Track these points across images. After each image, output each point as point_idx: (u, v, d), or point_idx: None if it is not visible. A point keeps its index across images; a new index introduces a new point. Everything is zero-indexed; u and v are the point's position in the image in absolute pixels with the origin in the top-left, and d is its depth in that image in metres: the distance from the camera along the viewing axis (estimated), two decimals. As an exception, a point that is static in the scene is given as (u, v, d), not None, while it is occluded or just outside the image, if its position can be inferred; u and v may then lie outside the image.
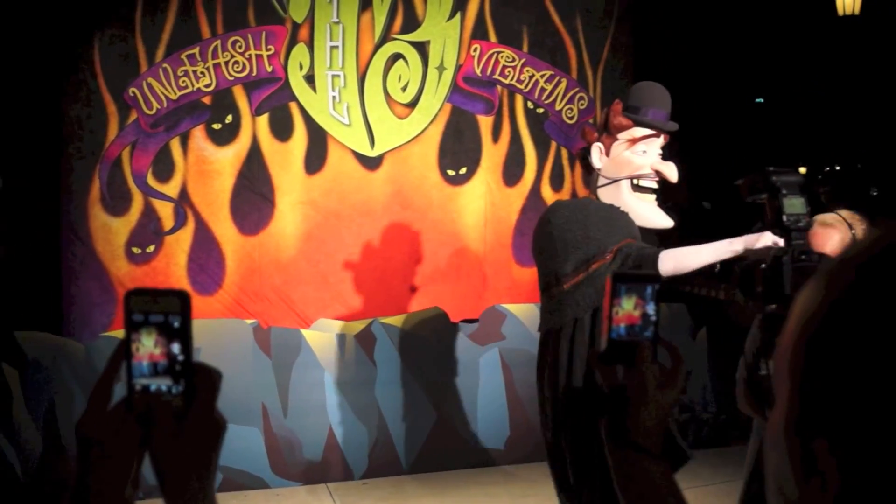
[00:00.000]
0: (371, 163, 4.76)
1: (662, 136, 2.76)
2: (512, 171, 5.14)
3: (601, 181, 2.74)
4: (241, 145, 4.47)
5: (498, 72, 5.02)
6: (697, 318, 5.42)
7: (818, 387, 0.62)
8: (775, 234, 2.37)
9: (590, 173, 2.81)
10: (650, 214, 2.73)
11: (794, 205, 2.35)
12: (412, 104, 4.83)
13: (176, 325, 0.85)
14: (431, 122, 4.89)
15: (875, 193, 11.77)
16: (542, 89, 5.11)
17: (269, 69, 4.49)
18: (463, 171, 4.99)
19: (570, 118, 5.34)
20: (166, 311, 0.85)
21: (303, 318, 4.59)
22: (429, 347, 4.64)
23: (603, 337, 1.20)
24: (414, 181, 4.88)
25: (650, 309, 1.20)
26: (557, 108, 5.24)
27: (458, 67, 4.92)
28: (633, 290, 1.18)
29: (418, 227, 4.86)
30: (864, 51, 11.59)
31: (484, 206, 5.02)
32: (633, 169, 2.72)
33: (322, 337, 4.52)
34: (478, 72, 4.97)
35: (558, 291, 2.60)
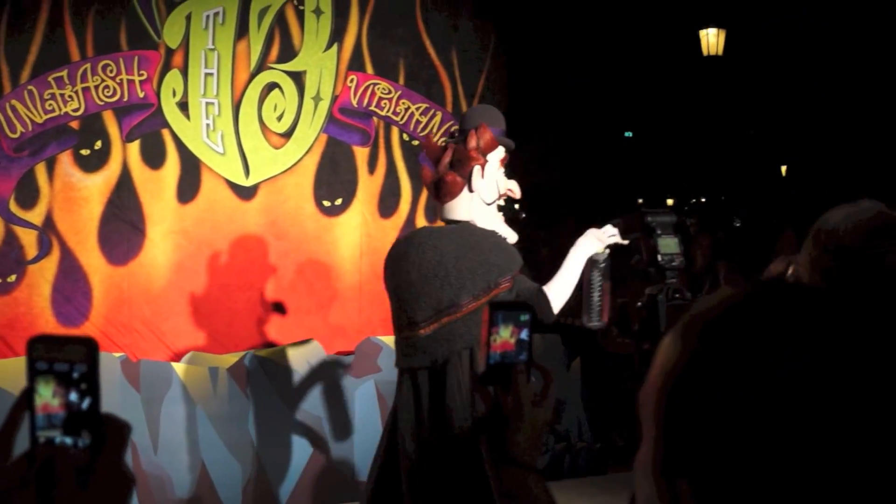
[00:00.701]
0: (245, 192, 4.90)
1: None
2: (388, 202, 5.30)
3: (476, 203, 2.83)
4: (110, 172, 4.54)
5: (374, 103, 5.23)
6: (571, 349, 5.69)
7: (679, 433, 0.68)
8: (651, 273, 2.65)
9: (441, 201, 2.88)
10: (506, 231, 2.89)
11: (668, 244, 2.61)
12: (288, 134, 5.00)
13: (82, 373, 0.83)
14: (307, 152, 5.06)
15: (738, 224, 12.74)
16: (418, 122, 5.36)
17: (141, 95, 4.60)
18: (338, 202, 5.16)
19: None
20: (71, 360, 0.83)
21: (174, 350, 4.66)
22: (303, 380, 4.77)
23: (481, 361, 1.30)
24: (289, 212, 5.03)
25: (525, 335, 1.29)
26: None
27: (335, 98, 5.11)
28: (509, 318, 1.28)
29: (293, 258, 5.00)
30: (727, 88, 12.60)
31: (359, 237, 5.19)
32: (503, 188, 2.88)
33: (194, 370, 4.59)
34: (354, 103, 5.18)
35: (450, 320, 2.67)
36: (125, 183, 4.58)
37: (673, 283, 2.49)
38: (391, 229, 5.29)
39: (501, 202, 2.92)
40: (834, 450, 0.63)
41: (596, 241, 2.91)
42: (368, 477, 3.01)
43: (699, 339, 0.69)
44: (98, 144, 4.52)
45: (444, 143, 3.00)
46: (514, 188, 2.92)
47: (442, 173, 2.87)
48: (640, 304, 2.53)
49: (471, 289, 2.67)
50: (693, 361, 0.69)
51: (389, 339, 4.92)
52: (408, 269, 2.74)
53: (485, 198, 2.85)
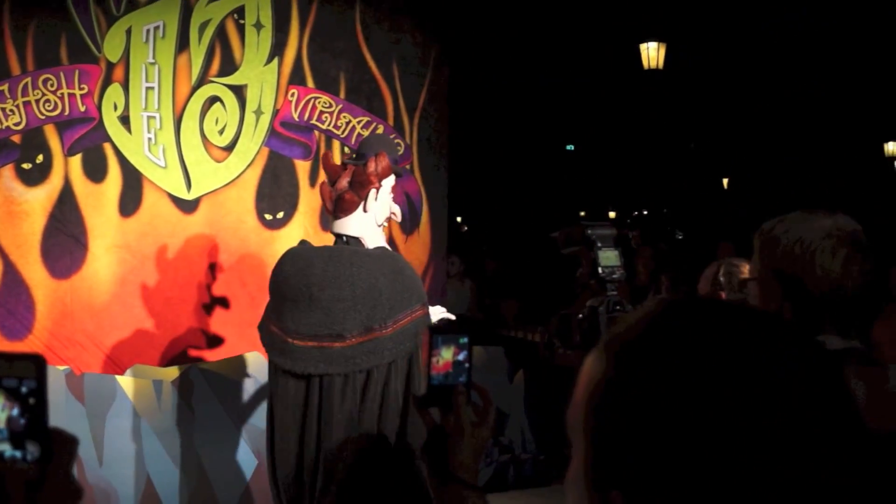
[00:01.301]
0: (187, 206, 5.04)
1: None
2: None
3: (369, 223, 3.19)
4: (52, 186, 4.69)
5: (315, 117, 5.40)
6: (515, 361, 5.92)
7: (607, 446, 0.72)
8: (591, 285, 2.82)
9: (335, 216, 3.22)
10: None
11: (608, 257, 2.73)
12: (229, 147, 5.16)
13: (30, 389, 0.87)
14: (249, 165, 5.22)
15: (680, 237, 13.11)
16: (359, 135, 5.46)
17: (83, 109, 4.75)
18: (280, 215, 5.31)
19: None
20: (20, 376, 0.87)
21: (117, 364, 4.75)
22: (247, 392, 4.87)
23: (423, 383, 1.37)
24: (231, 225, 5.17)
25: (463, 357, 1.34)
26: (374, 154, 5.73)
27: (276, 112, 5.28)
28: (449, 340, 1.32)
29: (236, 271, 5.13)
30: (668, 102, 12.98)
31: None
32: (390, 210, 3.28)
33: (138, 383, 4.65)
34: (295, 117, 5.35)
35: (377, 336, 2.99)
36: (67, 196, 4.72)
37: (614, 296, 2.51)
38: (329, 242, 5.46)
39: (386, 223, 3.29)
40: (752, 457, 0.67)
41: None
42: (281, 463, 3.19)
43: (618, 355, 0.73)
44: (40, 158, 4.67)
45: (342, 164, 3.33)
46: (397, 212, 3.33)
47: (341, 191, 3.20)
48: (581, 315, 2.54)
49: (398, 310, 3.01)
50: (614, 378, 0.72)
51: None
52: (340, 285, 3.02)
53: (377, 218, 3.22)
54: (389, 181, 3.27)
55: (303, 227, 5.38)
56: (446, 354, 1.32)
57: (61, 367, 4.55)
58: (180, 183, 5.05)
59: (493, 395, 1.41)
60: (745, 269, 2.92)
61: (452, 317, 3.29)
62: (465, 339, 1.33)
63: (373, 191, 3.19)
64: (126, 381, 4.66)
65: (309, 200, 5.40)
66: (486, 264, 9.31)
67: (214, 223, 5.14)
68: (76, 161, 4.77)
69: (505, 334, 7.80)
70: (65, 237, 4.71)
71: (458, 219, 14.79)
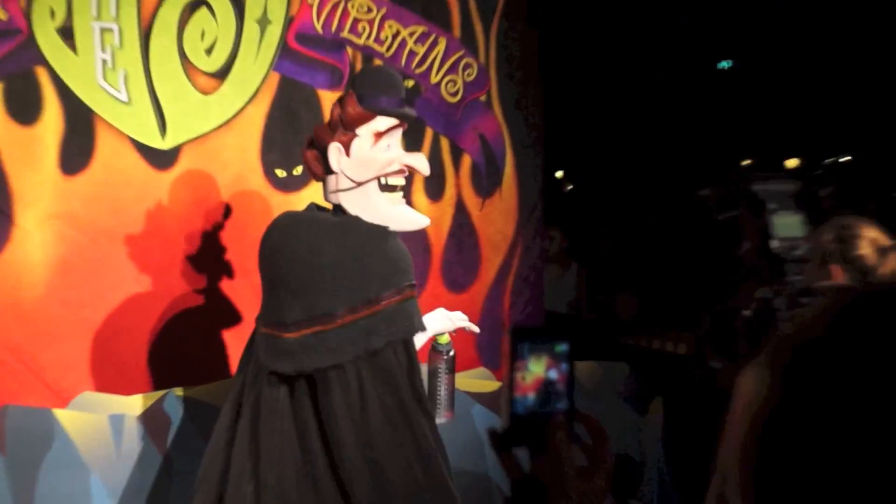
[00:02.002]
0: (162, 159, 4.83)
1: (401, 126, 3.40)
2: None
3: (343, 184, 3.35)
4: None
5: (347, 28, 5.28)
6: (649, 383, 5.90)
7: (776, 490, 0.74)
8: (762, 266, 2.66)
9: (319, 179, 3.43)
10: (405, 216, 3.40)
11: (787, 225, 2.55)
12: (222, 74, 4.98)
13: None
14: (251, 99, 5.04)
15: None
16: (412, 53, 5.44)
17: (4, 17, 4.53)
18: (298, 170, 5.19)
19: (454, 94, 5.63)
20: None
21: (56, 391, 4.60)
22: None
23: (503, 413, 1.36)
24: (227, 186, 5.01)
25: (562, 372, 1.37)
26: (434, 80, 5.56)
27: (290, 21, 5.12)
28: (541, 349, 1.35)
29: (235, 252, 4.97)
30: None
31: None
32: (382, 167, 3.34)
33: (87, 420, 4.51)
34: (318, 27, 5.20)
35: (322, 329, 3.12)
36: None
37: (796, 282, 2.47)
38: None
39: (397, 180, 3.39)
40: None
41: (446, 321, 3.67)
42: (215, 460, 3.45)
43: (789, 370, 0.76)
44: None
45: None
46: (414, 162, 3.41)
47: (304, 150, 3.47)
48: (746, 313, 2.52)
49: (346, 299, 3.12)
50: (784, 400, 0.75)
51: None
52: (280, 263, 3.23)
53: (353, 177, 3.35)
54: (370, 128, 3.36)
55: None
56: (536, 369, 1.34)
57: None
58: (151, 126, 4.85)
59: (613, 430, 1.44)
60: None
61: (474, 328, 3.76)
62: (563, 347, 1.36)
63: (333, 146, 3.34)
64: (69, 417, 4.53)
65: None
66: (601, 240, 9.28)
67: (202, 184, 4.98)
68: (-6, 93, 4.55)
69: (632, 344, 7.98)
70: None
71: (559, 174, 14.46)
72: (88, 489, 4.48)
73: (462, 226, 6.04)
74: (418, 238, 5.70)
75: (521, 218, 6.30)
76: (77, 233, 4.72)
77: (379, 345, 3.12)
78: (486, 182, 6.08)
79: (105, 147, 4.78)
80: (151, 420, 4.63)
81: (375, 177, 3.37)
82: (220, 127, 5.03)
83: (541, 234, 6.55)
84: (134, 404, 4.69)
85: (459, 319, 3.74)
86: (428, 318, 3.59)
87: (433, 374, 3.75)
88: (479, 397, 5.55)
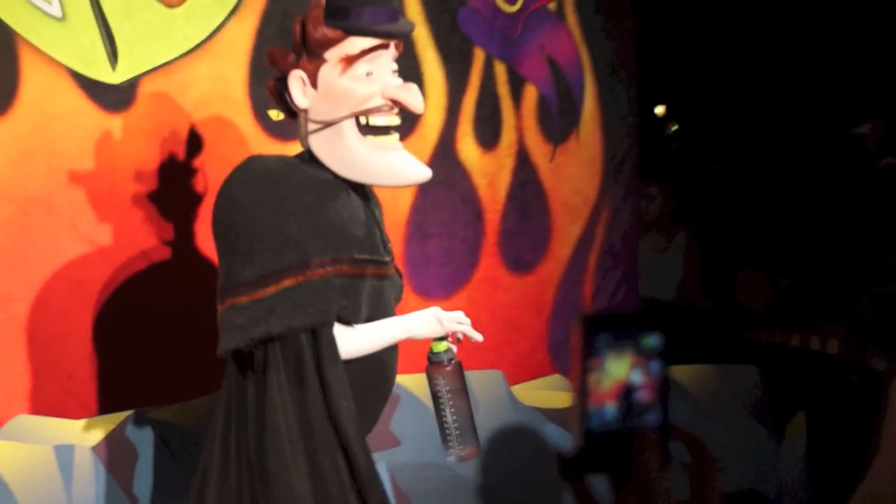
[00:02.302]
0: (112, 97, 4.79)
1: (393, 47, 3.58)
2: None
3: (311, 127, 3.58)
4: None
5: None
6: (788, 395, 5.97)
7: None
8: None
9: (294, 116, 3.64)
10: (396, 166, 3.60)
11: None
12: None
13: None
14: (232, 13, 5.05)
15: None
16: None
17: None
18: None
19: (511, 1, 5.52)
20: None
21: None
22: None
23: (574, 429, 1.38)
24: (201, 133, 4.97)
25: (651, 374, 1.38)
26: (484, -19, 5.54)
27: None
28: (623, 343, 1.36)
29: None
30: None
31: None
32: (358, 102, 3.52)
33: (24, 453, 4.49)
34: None
35: (233, 303, 3.43)
36: None
37: None
38: None
39: (385, 119, 3.58)
40: None
41: (435, 323, 3.70)
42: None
43: None
44: None
45: None
46: (401, 95, 3.55)
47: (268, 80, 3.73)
48: None
49: (259, 267, 3.39)
50: None
51: (409, 380, 5.07)
52: (213, 221, 3.59)
53: (321, 115, 3.56)
54: (338, 52, 3.52)
55: None
56: (617, 370, 1.34)
57: None
58: (95, 51, 4.80)
59: (736, 456, 1.53)
60: None
61: (475, 336, 3.83)
62: (655, 341, 1.36)
63: (294, 76, 3.56)
64: (2, 450, 4.51)
65: None
66: (724, 199, 9.26)
67: (167, 130, 4.96)
68: None
69: (763, 340, 7.87)
70: None
71: (659, 110, 14.27)
72: (27, 547, 4.45)
73: (526, 184, 5.99)
74: (465, 201, 5.63)
75: (606, 171, 6.26)
76: (1, 200, 4.67)
77: (277, 329, 3.34)
78: (559, 123, 6.04)
79: (33, 82, 4.72)
80: (111, 450, 4.62)
81: (351, 114, 3.52)
82: (191, 52, 5.02)
83: (634, 192, 6.42)
84: (87, 431, 4.68)
85: (454, 322, 3.73)
86: (405, 318, 3.67)
87: (434, 396, 3.73)
88: (554, 415, 5.53)
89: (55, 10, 4.70)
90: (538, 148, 6.00)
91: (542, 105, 6.01)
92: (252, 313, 3.35)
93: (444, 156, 5.56)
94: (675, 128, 14.31)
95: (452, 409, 3.66)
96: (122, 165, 4.83)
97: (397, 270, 3.80)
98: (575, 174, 6.14)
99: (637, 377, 1.37)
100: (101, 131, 4.81)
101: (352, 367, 3.51)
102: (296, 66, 3.55)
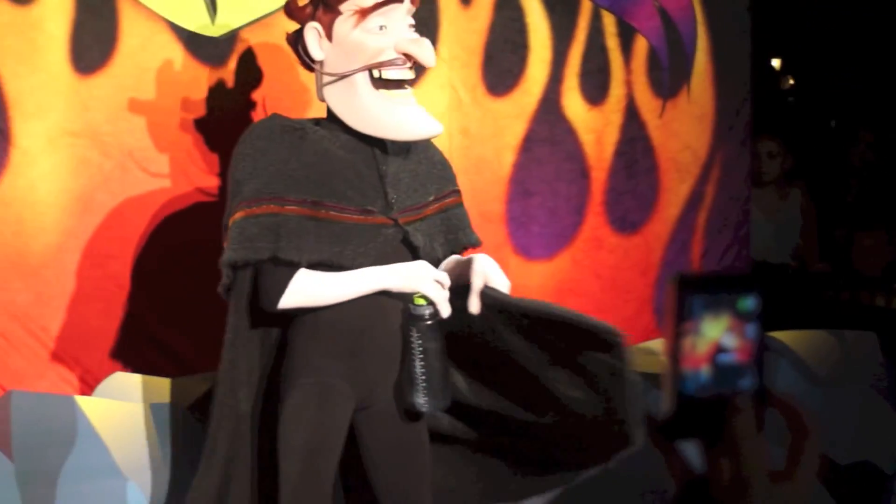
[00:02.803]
0: (211, 50, 4.84)
1: (408, 1, 3.63)
2: (502, 63, 5.48)
3: (325, 79, 3.69)
4: None
5: None
6: None
7: None
8: None
9: (311, 69, 3.78)
10: (406, 120, 3.64)
11: None
12: None
13: None
14: None
15: None
16: None
17: None
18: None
19: None
20: None
21: (77, 372, 4.69)
22: None
23: (666, 393, 1.38)
24: (303, 88, 4.94)
25: (747, 337, 1.36)
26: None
27: None
28: (719, 303, 1.35)
29: None
30: None
31: (446, 135, 5.12)
32: (371, 55, 3.61)
33: (120, 412, 4.53)
34: None
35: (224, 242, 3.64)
36: None
37: None
38: (510, 118, 5.59)
39: (398, 73, 3.64)
40: None
41: (412, 280, 3.66)
42: None
43: None
44: None
45: None
46: (414, 50, 3.60)
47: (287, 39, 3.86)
48: None
49: (228, 210, 3.62)
50: None
51: None
52: None
53: (335, 67, 3.68)
54: (357, 2, 3.60)
55: (448, 89, 5.43)
56: (712, 331, 1.33)
57: None
58: (196, 3, 4.84)
59: (853, 428, 1.49)
60: None
61: (444, 311, 3.65)
62: (751, 302, 1.34)
63: (309, 29, 3.66)
64: (97, 407, 4.55)
65: (460, 32, 5.44)
66: (842, 156, 9.08)
67: (267, 85, 4.96)
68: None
69: (881, 305, 7.74)
70: None
71: (776, 62, 14.03)
72: (123, 497, 4.49)
73: (634, 140, 5.91)
74: (570, 158, 5.56)
75: (718, 127, 6.15)
76: (99, 155, 4.70)
77: (222, 263, 3.57)
78: (669, 77, 5.95)
79: (131, 34, 4.74)
80: (206, 410, 4.42)
81: (364, 67, 3.61)
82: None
83: (747, 150, 6.31)
84: (183, 390, 4.71)
85: (431, 284, 3.64)
86: (382, 268, 3.65)
87: (407, 347, 3.71)
88: (658, 380, 5.42)
89: (154, -41, 4.74)
90: (647, 103, 5.91)
91: (653, 58, 5.93)
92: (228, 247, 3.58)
93: (548, 111, 5.50)
94: (791, 82, 14.11)
95: (423, 364, 3.67)
96: (218, 119, 4.86)
97: (397, 224, 3.73)
98: (685, 130, 6.05)
99: (732, 340, 1.36)
100: (198, 85, 4.85)
101: (325, 312, 3.62)
102: (312, 17, 3.65)
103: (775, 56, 13.68)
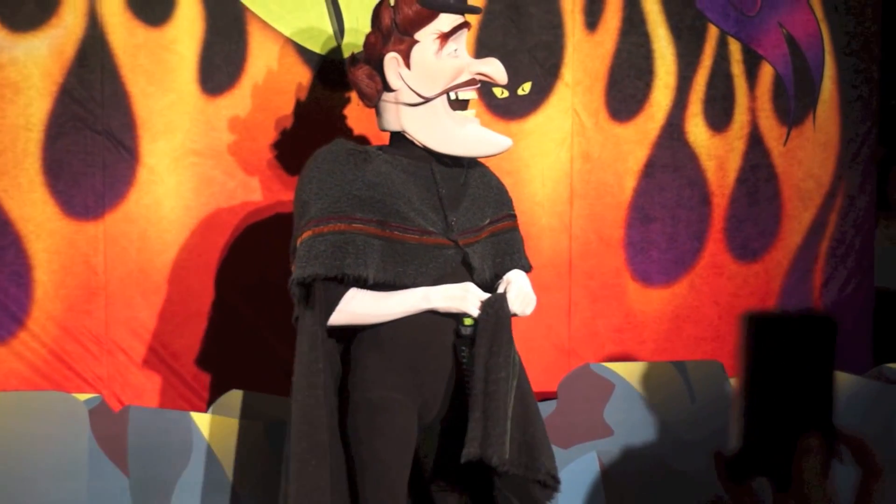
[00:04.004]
0: (339, 75, 4.71)
1: (466, 25, 3.82)
2: (626, 89, 5.41)
3: (409, 98, 3.78)
4: (61, 30, 4.59)
5: None
6: None
7: None
8: None
9: (371, 104, 3.87)
10: (481, 138, 3.84)
11: None
12: None
13: None
14: None
15: None
16: None
17: None
18: (525, 88, 5.20)
19: None
20: None
21: (195, 389, 4.74)
22: None
23: (734, 429, 1.37)
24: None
25: (820, 375, 1.37)
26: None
27: None
28: (789, 344, 1.36)
29: None
30: None
31: (567, 159, 5.24)
32: (451, 77, 3.77)
33: (236, 429, 4.61)
34: None
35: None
36: (92, 52, 4.63)
37: None
38: (634, 144, 5.50)
39: (468, 93, 3.84)
40: None
41: (457, 300, 3.73)
42: None
43: None
44: None
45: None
46: (489, 69, 3.82)
47: (349, 69, 3.90)
48: None
49: (296, 232, 3.75)
50: None
51: (623, 370, 5.23)
52: None
53: (422, 91, 3.78)
54: (431, 30, 3.76)
55: (570, 114, 5.34)
56: (780, 371, 1.35)
57: (83, 396, 4.52)
58: (322, 25, 4.88)
59: None
60: None
61: (524, 292, 3.83)
62: (820, 343, 1.37)
63: (389, 57, 3.75)
64: (213, 424, 4.64)
65: (584, 57, 5.37)
66: None
67: None
68: (109, -22, 4.58)
69: None
70: (88, 133, 4.64)
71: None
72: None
73: (757, 167, 5.80)
74: (691, 184, 5.51)
75: (843, 155, 6.00)
76: (222, 174, 4.75)
77: (293, 280, 3.63)
78: (795, 104, 5.82)
79: (259, 56, 4.79)
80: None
81: (445, 90, 3.76)
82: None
83: (871, 179, 6.20)
84: None
85: (474, 305, 3.70)
86: (429, 288, 3.71)
87: (459, 365, 3.82)
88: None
89: (285, -17, 4.77)
90: (771, 130, 5.80)
91: (778, 85, 5.82)
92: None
93: (671, 137, 5.43)
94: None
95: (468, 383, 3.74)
96: (349, 138, 4.74)
97: (457, 246, 3.79)
98: (809, 158, 5.91)
99: (801, 379, 1.37)
100: (326, 107, 4.88)
101: (384, 328, 3.71)
102: (386, 49, 3.74)
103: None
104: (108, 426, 4.46)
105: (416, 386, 3.74)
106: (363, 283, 3.60)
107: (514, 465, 3.68)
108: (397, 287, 3.65)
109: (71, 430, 4.38)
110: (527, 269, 4.01)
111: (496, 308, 3.68)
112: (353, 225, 3.61)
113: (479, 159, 3.98)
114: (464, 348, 3.72)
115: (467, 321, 3.70)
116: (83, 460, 4.39)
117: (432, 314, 3.67)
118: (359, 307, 3.65)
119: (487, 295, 3.73)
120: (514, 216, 4.07)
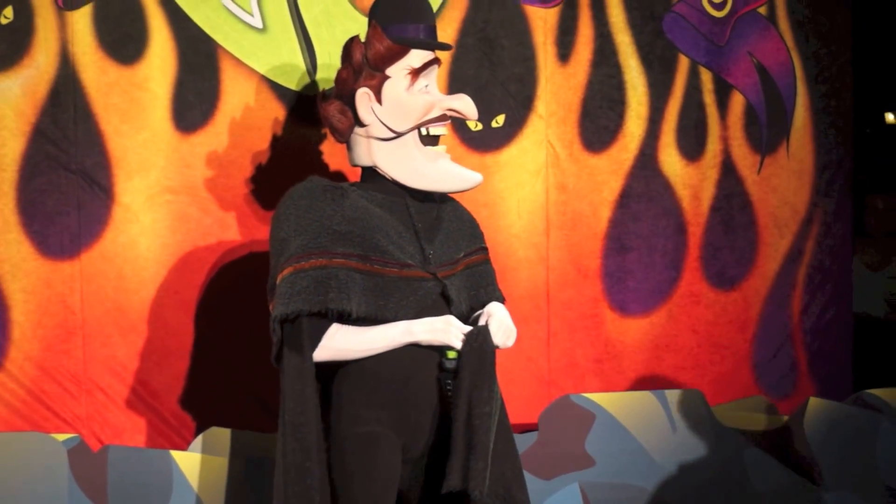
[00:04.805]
0: (313, 110, 4.45)
1: (437, 62, 3.82)
2: (599, 120, 5.44)
3: (380, 133, 3.77)
4: (35, 70, 4.59)
5: None
6: None
7: None
8: None
9: (342, 139, 3.86)
10: (451, 173, 3.84)
11: None
12: None
13: None
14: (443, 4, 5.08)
15: None
16: None
17: None
18: (499, 121, 5.23)
19: (719, 6, 5.48)
20: None
21: (177, 426, 4.72)
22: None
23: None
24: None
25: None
26: (691, -14, 5.40)
27: None
28: None
29: None
30: None
31: (542, 190, 5.28)
32: (422, 112, 3.76)
33: (217, 467, 4.57)
34: None
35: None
36: (66, 91, 4.63)
37: None
38: (607, 174, 5.54)
39: (438, 129, 3.83)
40: None
41: (437, 333, 3.70)
42: None
43: None
44: (8, 14, 4.56)
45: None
46: (459, 105, 3.83)
47: (320, 104, 3.89)
48: None
49: (273, 270, 3.73)
50: None
51: (604, 400, 5.20)
52: None
53: (394, 126, 3.78)
54: (402, 65, 3.79)
55: (545, 145, 5.38)
56: None
57: (61, 437, 4.49)
58: (295, 62, 4.88)
59: None
60: None
61: (503, 324, 3.80)
62: None
63: (360, 93, 3.76)
64: (193, 462, 4.60)
65: (557, 90, 5.40)
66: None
67: None
68: (82, 17, 4.64)
69: None
70: (62, 173, 4.65)
71: (892, 117, 13.79)
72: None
73: (731, 196, 5.83)
74: (666, 213, 5.52)
75: (816, 183, 6.03)
76: (198, 211, 4.75)
77: (273, 317, 3.59)
78: (768, 133, 5.86)
79: (233, 93, 4.79)
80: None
81: (416, 125, 3.76)
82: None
83: (846, 205, 6.21)
84: None
85: (456, 338, 3.69)
86: (411, 322, 3.70)
87: (445, 399, 3.78)
88: (755, 438, 5.36)
89: (257, 22, 4.79)
90: (745, 159, 5.84)
91: (750, 114, 5.85)
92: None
93: (644, 167, 5.46)
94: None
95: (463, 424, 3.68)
96: (324, 173, 4.64)
97: (436, 278, 3.78)
98: (784, 185, 5.95)
99: None
100: (300, 144, 4.87)
101: (368, 363, 3.67)
102: (358, 84, 3.75)
103: (880, 111, 13.48)
104: (88, 466, 4.43)
105: (401, 420, 3.71)
106: (346, 318, 3.59)
107: (491, 498, 3.73)
108: (379, 321, 3.64)
109: (50, 470, 4.34)
110: (500, 301, 4.00)
111: (480, 341, 3.66)
112: (335, 260, 3.61)
113: (451, 194, 3.96)
114: (449, 381, 3.71)
115: (451, 354, 3.68)
116: (63, 501, 4.33)
117: (415, 347, 3.65)
118: (342, 342, 3.63)
119: (469, 328, 3.72)
120: (486, 249, 4.07)
